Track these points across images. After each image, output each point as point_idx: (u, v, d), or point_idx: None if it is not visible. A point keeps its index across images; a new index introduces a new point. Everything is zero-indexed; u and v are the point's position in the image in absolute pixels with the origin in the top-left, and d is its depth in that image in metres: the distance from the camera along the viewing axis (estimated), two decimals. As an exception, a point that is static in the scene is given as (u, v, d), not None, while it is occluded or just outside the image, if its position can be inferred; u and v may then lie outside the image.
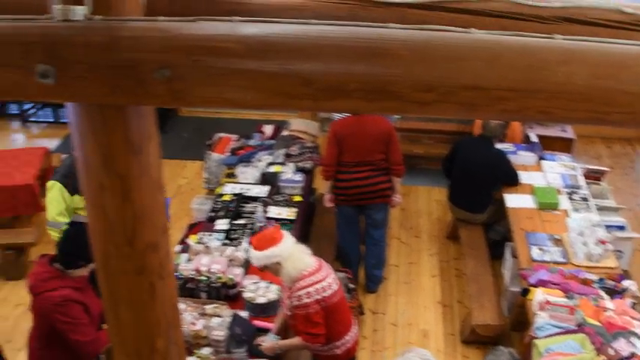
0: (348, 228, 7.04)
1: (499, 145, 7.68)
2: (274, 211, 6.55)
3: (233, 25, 2.03)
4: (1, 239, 7.44)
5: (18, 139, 10.82)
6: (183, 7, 2.59)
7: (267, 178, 7.11)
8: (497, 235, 7.78)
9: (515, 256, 6.68)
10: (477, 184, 7.46)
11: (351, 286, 6.49)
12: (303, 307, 4.69)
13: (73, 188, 5.81)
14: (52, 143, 10.18)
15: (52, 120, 11.16)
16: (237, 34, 2.00)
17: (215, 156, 7.84)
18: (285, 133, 8.09)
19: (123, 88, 2.06)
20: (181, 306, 4.96)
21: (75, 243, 4.72)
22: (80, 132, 2.47)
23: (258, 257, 4.70)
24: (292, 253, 4.70)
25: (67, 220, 5.87)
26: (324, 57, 1.94)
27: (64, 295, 4.61)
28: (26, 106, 11.06)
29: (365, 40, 1.92)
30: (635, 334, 5.26)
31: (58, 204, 5.90)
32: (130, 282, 2.77)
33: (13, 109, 11.25)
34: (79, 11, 2.13)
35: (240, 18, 2.07)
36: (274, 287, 5.45)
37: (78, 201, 5.81)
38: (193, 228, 6.61)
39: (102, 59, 2.05)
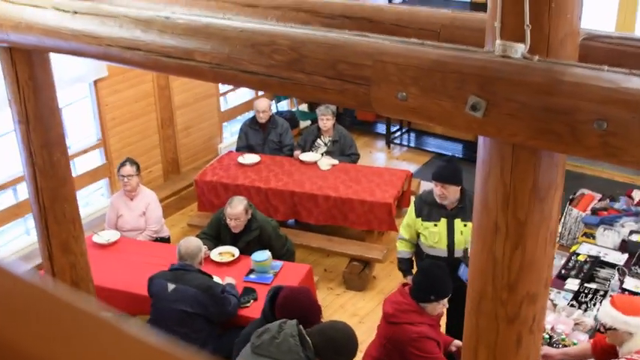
0: None
1: None
2: (631, 283, 6.10)
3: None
4: (351, 250, 7.75)
5: (379, 158, 11.28)
6: (616, 57, 2.48)
7: (627, 246, 6.67)
8: None
9: None
10: None
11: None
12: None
13: (419, 210, 5.92)
14: (410, 167, 10.47)
15: (413, 145, 11.50)
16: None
17: (575, 212, 7.55)
18: (654, 202, 7.58)
19: (552, 133, 1.99)
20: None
21: (428, 276, 4.77)
22: (486, 168, 2.44)
23: (614, 317, 4.40)
24: None
25: (404, 234, 6.05)
26: None
27: (420, 331, 4.66)
28: (393, 129, 11.50)
29: None
30: None
31: (406, 217, 6.09)
32: (499, 328, 2.70)
33: (380, 129, 11.75)
34: (519, 49, 2.10)
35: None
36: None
37: (418, 224, 5.91)
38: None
39: (536, 101, 1.99)
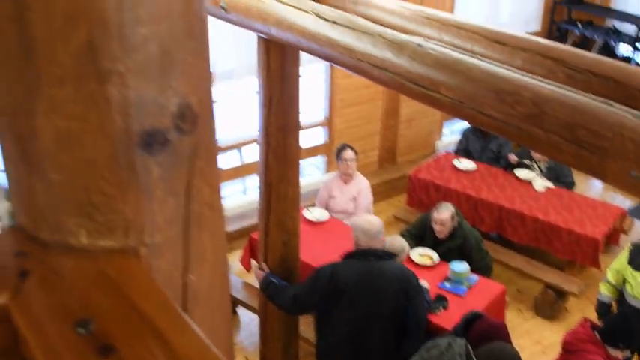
0: None
1: None
2: None
3: None
4: (548, 277, 7.59)
5: (596, 185, 10.86)
6: None
7: None
8: None
9: None
10: None
11: None
12: None
13: (632, 258, 5.73)
14: (625, 202, 10.07)
15: (635, 179, 11.04)
16: None
17: None
18: None
19: None
20: None
21: (625, 323, 4.66)
22: None
23: None
24: None
25: (610, 278, 5.89)
26: None
27: (594, 359, 4.61)
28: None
29: None
30: None
31: (617, 260, 5.92)
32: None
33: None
34: None
35: None
36: None
37: (628, 271, 5.73)
38: None
39: None
